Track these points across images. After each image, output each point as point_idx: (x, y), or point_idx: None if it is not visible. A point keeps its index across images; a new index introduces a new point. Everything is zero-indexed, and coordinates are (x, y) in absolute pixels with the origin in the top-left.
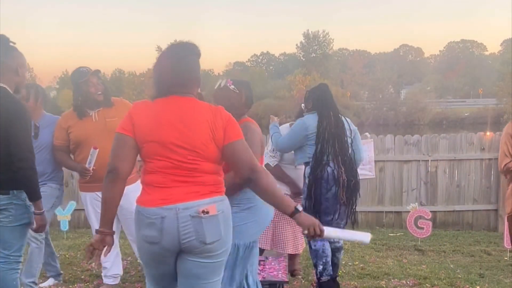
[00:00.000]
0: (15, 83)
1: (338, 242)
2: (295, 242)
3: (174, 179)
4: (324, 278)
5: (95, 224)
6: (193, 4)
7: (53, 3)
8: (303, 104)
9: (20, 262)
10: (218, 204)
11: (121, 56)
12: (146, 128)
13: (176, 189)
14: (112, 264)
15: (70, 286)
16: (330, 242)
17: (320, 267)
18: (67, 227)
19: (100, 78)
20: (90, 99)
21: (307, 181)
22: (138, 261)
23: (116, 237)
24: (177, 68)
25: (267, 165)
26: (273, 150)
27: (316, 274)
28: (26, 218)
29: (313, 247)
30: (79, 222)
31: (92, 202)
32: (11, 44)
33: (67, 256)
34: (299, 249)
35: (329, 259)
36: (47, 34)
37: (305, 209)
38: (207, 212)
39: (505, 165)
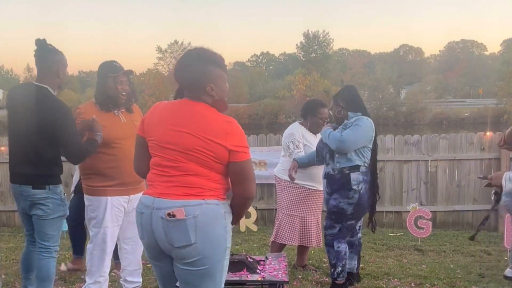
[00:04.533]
0: (57, 84)
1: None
2: (318, 236)
3: (162, 178)
4: (340, 280)
5: (108, 233)
6: (193, 4)
7: (54, 2)
8: (330, 111)
9: (57, 251)
10: (190, 208)
11: (121, 56)
12: (150, 126)
13: (159, 186)
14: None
15: (70, 286)
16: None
17: (339, 269)
18: (67, 227)
19: (129, 80)
20: (112, 96)
21: (362, 186)
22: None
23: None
24: (179, 74)
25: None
26: (297, 147)
27: (333, 275)
28: (62, 210)
29: (336, 248)
30: None
31: (113, 209)
32: (49, 47)
33: (67, 256)
34: (320, 243)
35: (347, 261)
36: (47, 33)
37: (345, 214)
38: (173, 216)
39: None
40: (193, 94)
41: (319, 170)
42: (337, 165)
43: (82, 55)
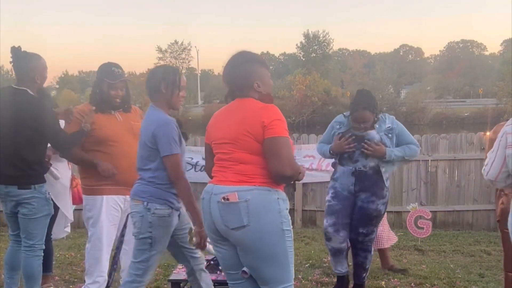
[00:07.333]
0: (35, 88)
1: None
2: (388, 235)
3: (221, 168)
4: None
5: (104, 232)
6: (193, 4)
7: (54, 3)
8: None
9: (42, 249)
10: (242, 193)
11: (121, 56)
12: (211, 131)
13: (218, 174)
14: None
15: (71, 286)
16: None
17: (367, 271)
18: None
19: (127, 88)
20: (106, 100)
21: (388, 183)
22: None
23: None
24: (229, 76)
25: None
26: None
27: (364, 279)
28: (46, 209)
29: (372, 252)
30: (79, 222)
31: (109, 207)
32: (23, 54)
33: (67, 256)
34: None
35: (339, 265)
36: (47, 33)
37: (381, 215)
38: (227, 199)
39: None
40: (242, 92)
41: None
42: (383, 169)
43: (82, 55)
